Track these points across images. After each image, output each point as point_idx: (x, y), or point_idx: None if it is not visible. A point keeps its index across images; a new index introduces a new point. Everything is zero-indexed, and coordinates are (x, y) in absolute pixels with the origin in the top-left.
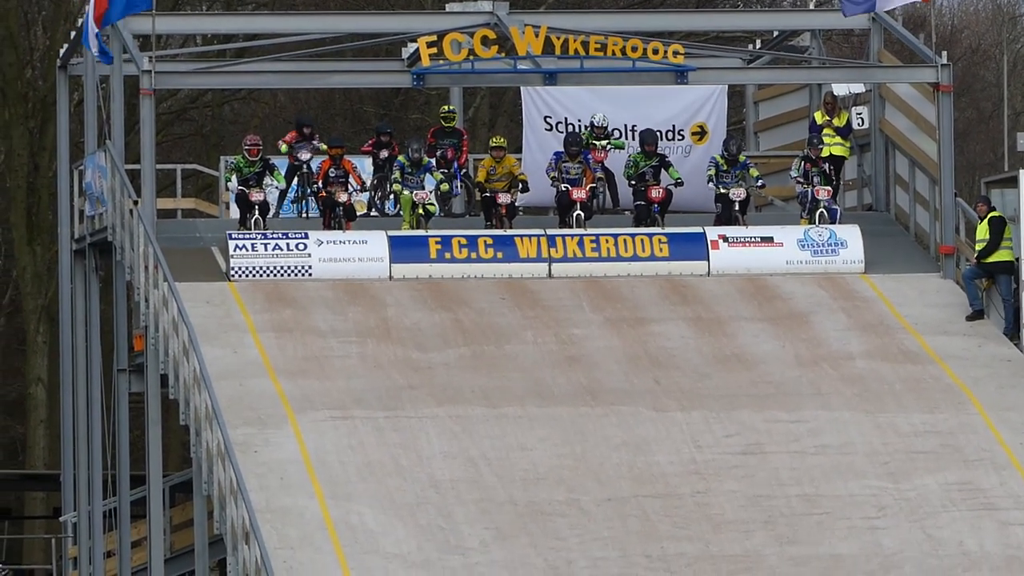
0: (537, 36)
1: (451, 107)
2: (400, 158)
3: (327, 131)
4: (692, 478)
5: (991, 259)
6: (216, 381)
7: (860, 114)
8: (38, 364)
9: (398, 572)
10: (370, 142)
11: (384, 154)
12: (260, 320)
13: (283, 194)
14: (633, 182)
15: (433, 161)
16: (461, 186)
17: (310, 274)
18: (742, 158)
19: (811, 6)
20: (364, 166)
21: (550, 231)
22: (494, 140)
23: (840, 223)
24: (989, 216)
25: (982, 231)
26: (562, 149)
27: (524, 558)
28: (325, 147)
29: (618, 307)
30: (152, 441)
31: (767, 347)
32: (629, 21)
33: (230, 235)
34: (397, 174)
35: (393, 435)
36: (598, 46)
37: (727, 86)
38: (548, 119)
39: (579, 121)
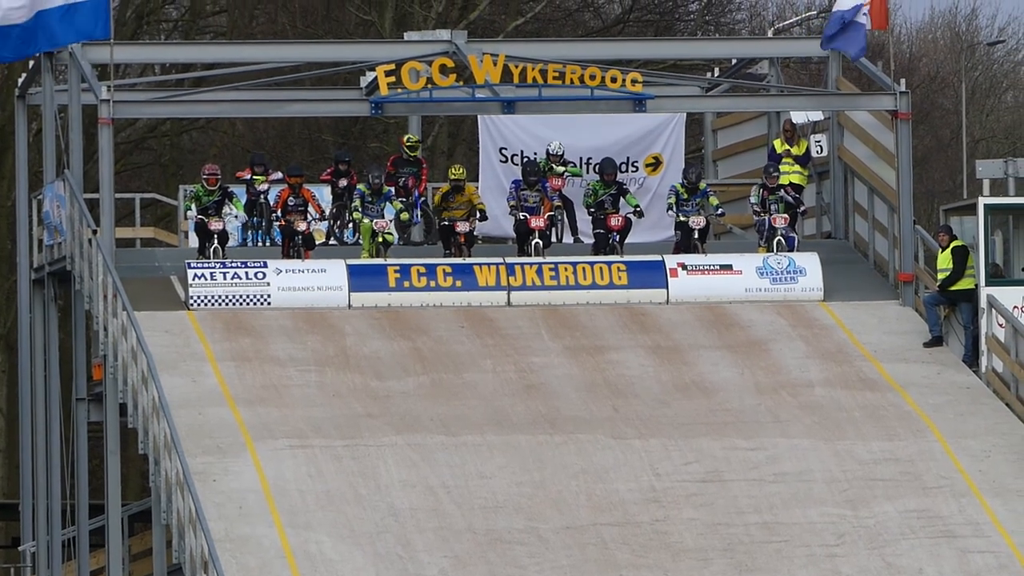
0: (495, 65)
1: (415, 137)
2: (360, 186)
3: (285, 160)
4: (651, 506)
5: (955, 287)
6: (175, 410)
7: (819, 142)
8: None
9: None
10: (329, 171)
11: (343, 183)
12: (219, 349)
13: (246, 225)
14: (592, 210)
15: (392, 190)
16: (421, 215)
17: (269, 303)
18: (702, 186)
19: (769, 34)
20: (323, 195)
21: (509, 259)
22: (452, 172)
23: (798, 251)
24: (952, 246)
25: (944, 260)
26: (520, 178)
27: None
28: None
29: (577, 335)
30: (111, 470)
31: (726, 375)
32: (587, 49)
33: (189, 264)
34: (357, 202)
35: (352, 464)
36: (556, 74)
37: (685, 115)
38: (503, 151)
39: (535, 154)
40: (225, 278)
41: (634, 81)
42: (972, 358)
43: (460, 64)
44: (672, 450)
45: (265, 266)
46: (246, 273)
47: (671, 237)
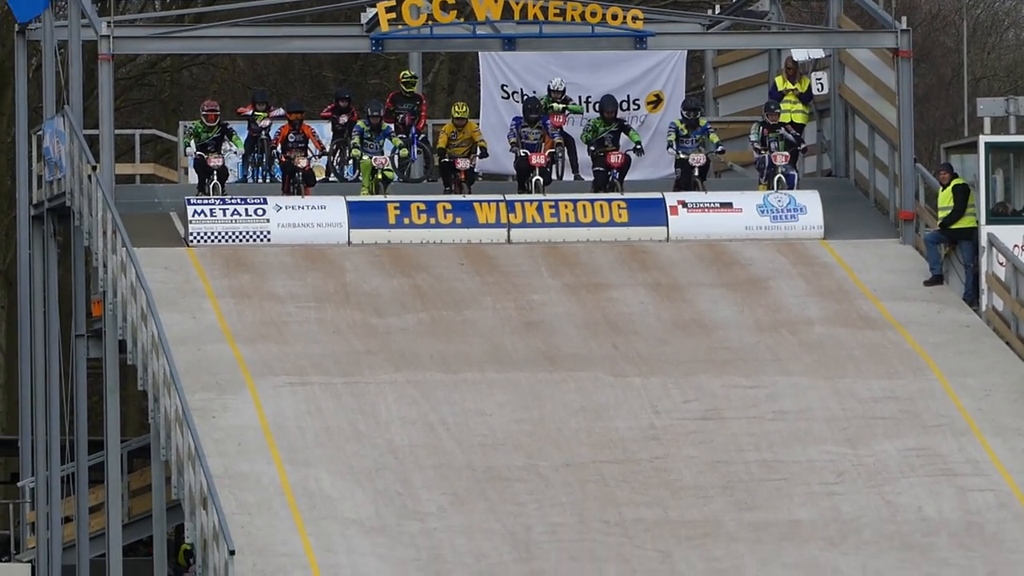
0: (496, 1)
1: (411, 72)
2: (359, 123)
3: (286, 96)
4: (651, 444)
5: (956, 226)
6: (174, 346)
7: (820, 79)
8: None
9: (356, 537)
10: (329, 107)
11: (343, 119)
12: (218, 285)
13: (245, 158)
14: (592, 147)
15: (392, 126)
16: (419, 151)
17: (269, 239)
18: (703, 122)
19: None
20: (323, 131)
21: (509, 196)
22: (456, 110)
23: (798, 188)
24: (953, 184)
25: (945, 198)
26: (521, 115)
27: (482, 523)
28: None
29: (577, 273)
30: (110, 406)
31: (726, 313)
32: None
33: (189, 200)
34: (356, 139)
35: (351, 400)
36: (557, 11)
37: (686, 52)
38: (505, 87)
39: (534, 92)
40: (225, 214)
41: (635, 18)
42: (972, 296)
43: (461, 0)
44: (672, 388)
45: (265, 202)
46: (246, 210)
47: (671, 174)
